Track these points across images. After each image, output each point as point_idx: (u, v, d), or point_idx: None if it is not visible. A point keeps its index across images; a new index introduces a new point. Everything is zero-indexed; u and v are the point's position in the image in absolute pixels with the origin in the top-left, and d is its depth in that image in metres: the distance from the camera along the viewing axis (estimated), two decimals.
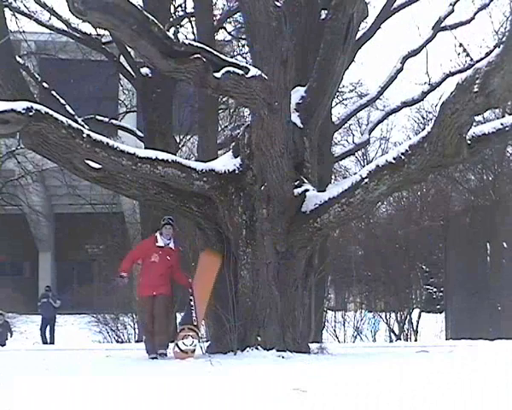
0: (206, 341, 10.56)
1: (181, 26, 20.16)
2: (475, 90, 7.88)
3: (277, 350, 9.28)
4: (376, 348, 15.84)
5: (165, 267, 9.68)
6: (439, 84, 18.71)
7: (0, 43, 10.38)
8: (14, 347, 16.86)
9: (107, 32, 14.79)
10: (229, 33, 21.20)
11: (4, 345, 19.37)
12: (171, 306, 9.91)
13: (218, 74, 8.65)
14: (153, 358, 9.45)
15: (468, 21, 19.13)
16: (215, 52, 8.94)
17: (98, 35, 18.92)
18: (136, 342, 17.79)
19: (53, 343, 20.02)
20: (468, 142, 8.82)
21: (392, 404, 5.15)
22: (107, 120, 20.37)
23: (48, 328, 21.11)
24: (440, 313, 26.59)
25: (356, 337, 23.21)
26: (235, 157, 10.02)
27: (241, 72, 8.81)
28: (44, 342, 20.32)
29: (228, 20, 20.67)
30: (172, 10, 19.81)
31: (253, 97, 8.99)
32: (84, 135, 9.04)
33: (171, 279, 9.82)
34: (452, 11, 18.22)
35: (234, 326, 9.30)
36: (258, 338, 9.47)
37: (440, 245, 26.88)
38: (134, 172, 9.55)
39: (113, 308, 18.47)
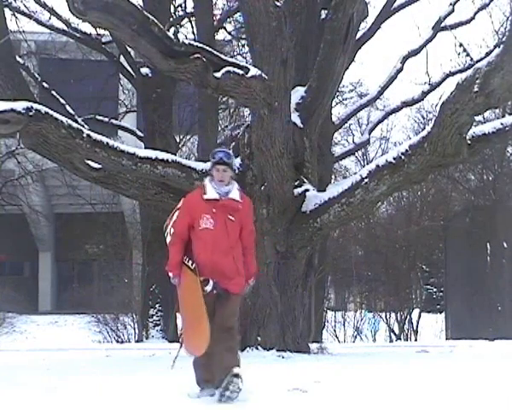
0: None
1: (181, 26, 20.14)
2: (475, 90, 7.88)
3: (277, 350, 9.29)
4: (376, 348, 15.84)
5: (229, 235, 5.45)
6: (439, 84, 18.67)
7: (0, 43, 10.37)
8: (14, 347, 16.85)
9: (107, 32, 14.78)
10: (229, 33, 21.18)
11: None
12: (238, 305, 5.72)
13: (218, 74, 8.65)
14: (210, 394, 5.42)
15: (468, 21, 19.09)
16: (215, 52, 8.94)
17: (98, 35, 18.91)
18: (137, 342, 17.79)
19: None
20: (468, 142, 8.83)
21: (392, 404, 5.15)
22: (107, 120, 20.36)
23: None
24: (440, 313, 26.60)
25: (356, 337, 23.22)
26: (235, 157, 10.03)
27: (241, 72, 8.81)
28: None
29: (228, 20, 20.66)
30: (172, 10, 19.80)
31: (253, 97, 9.00)
32: (84, 135, 9.05)
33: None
34: (452, 11, 18.18)
35: None
36: (258, 338, 9.47)
37: (440, 245, 26.90)
38: (134, 172, 9.55)
39: (113, 308, 18.44)
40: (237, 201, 5.53)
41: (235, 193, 5.55)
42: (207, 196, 5.48)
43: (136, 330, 18.35)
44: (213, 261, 5.35)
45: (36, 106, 8.76)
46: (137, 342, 17.80)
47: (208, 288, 5.38)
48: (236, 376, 5.14)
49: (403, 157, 9.02)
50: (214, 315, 5.38)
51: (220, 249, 5.38)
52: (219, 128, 19.82)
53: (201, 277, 5.35)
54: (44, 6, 18.67)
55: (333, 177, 19.93)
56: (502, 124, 9.25)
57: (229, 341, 5.41)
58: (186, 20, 20.32)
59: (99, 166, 9.61)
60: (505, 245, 22.52)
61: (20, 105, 8.62)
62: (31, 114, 8.57)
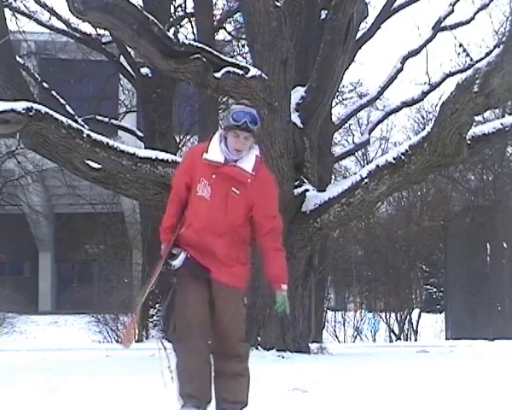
0: None
1: (181, 26, 20.14)
2: (475, 90, 7.88)
3: (277, 350, 9.28)
4: (376, 348, 15.84)
5: (227, 213, 4.20)
6: (439, 84, 18.68)
7: (0, 43, 10.36)
8: (14, 347, 16.86)
9: (107, 32, 14.77)
10: (229, 33, 21.19)
11: None
12: (244, 308, 4.37)
13: (218, 74, 8.65)
14: None
15: (468, 21, 19.10)
16: (215, 52, 8.95)
17: (98, 35, 18.91)
18: (137, 342, 17.79)
19: None
20: (468, 142, 8.82)
21: (392, 404, 5.15)
22: (107, 120, 20.36)
23: None
24: (440, 313, 26.63)
25: (356, 337, 23.25)
26: None
27: (241, 72, 8.81)
28: None
29: (228, 20, 20.66)
30: (172, 10, 19.80)
31: (253, 97, 8.99)
32: (84, 135, 9.04)
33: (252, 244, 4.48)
34: (452, 11, 18.17)
35: None
36: (258, 338, 9.47)
37: (440, 245, 26.92)
38: (134, 172, 9.55)
39: (113, 308, 18.45)
40: (246, 172, 4.15)
41: (247, 161, 4.19)
42: (208, 155, 4.20)
43: (137, 331, 18.35)
44: (202, 242, 4.17)
45: (36, 106, 8.75)
46: (137, 342, 17.80)
47: (176, 262, 4.21)
48: None
49: (403, 157, 9.01)
50: (210, 314, 4.21)
51: (214, 228, 4.15)
52: (219, 128, 19.82)
53: (176, 249, 4.27)
54: (44, 6, 18.68)
55: (333, 177, 19.94)
56: (502, 124, 9.25)
57: (234, 364, 4.22)
58: (186, 20, 20.31)
59: (99, 166, 9.61)
60: (505, 245, 22.54)
61: (20, 105, 8.62)
62: (31, 114, 8.57)
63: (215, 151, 4.22)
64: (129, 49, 18.04)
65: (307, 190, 9.82)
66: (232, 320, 4.22)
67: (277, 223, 4.33)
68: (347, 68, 12.48)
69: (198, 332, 4.12)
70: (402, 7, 17.61)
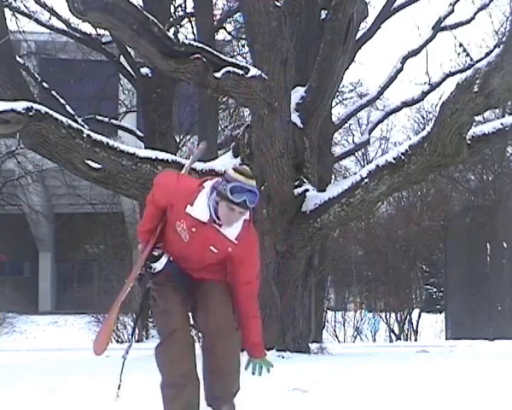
0: None
1: (181, 26, 20.13)
2: (475, 90, 7.87)
3: (277, 350, 9.28)
4: (376, 348, 15.84)
5: (204, 261, 4.10)
6: (439, 84, 18.69)
7: (0, 43, 10.36)
8: (14, 347, 16.85)
9: (107, 32, 14.75)
10: (229, 33, 21.19)
11: None
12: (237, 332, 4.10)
13: (218, 74, 8.64)
14: None
15: (468, 21, 19.11)
16: (215, 52, 8.94)
17: (98, 35, 18.90)
18: (137, 342, 17.79)
19: None
20: (468, 142, 8.82)
21: (392, 404, 5.15)
22: (107, 120, 20.36)
23: None
24: (440, 313, 26.66)
25: (356, 337, 23.25)
26: (235, 157, 10.02)
27: (241, 72, 8.80)
28: None
29: (228, 20, 20.67)
30: (172, 10, 19.79)
31: (253, 97, 8.99)
32: (84, 135, 9.04)
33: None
34: (452, 11, 18.18)
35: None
36: None
37: (440, 245, 26.95)
38: (134, 172, 9.54)
39: None
40: (228, 240, 3.97)
41: (232, 229, 3.96)
42: (192, 211, 3.94)
43: (136, 330, 18.36)
44: (182, 261, 4.15)
45: (36, 106, 8.75)
46: (137, 342, 17.79)
47: (157, 265, 4.10)
48: None
49: (403, 157, 9.01)
50: (194, 316, 4.13)
51: (190, 266, 4.12)
52: (219, 128, 19.83)
53: (157, 250, 4.12)
54: (44, 6, 18.67)
55: (333, 177, 19.95)
56: (502, 124, 9.24)
57: (225, 362, 4.01)
58: (186, 20, 20.31)
59: (99, 166, 9.61)
60: (505, 245, 22.55)
61: (20, 105, 8.61)
62: (31, 114, 8.56)
63: (200, 209, 3.95)
64: (129, 49, 18.04)
65: (307, 190, 9.82)
66: (221, 308, 4.05)
67: (253, 290, 4.11)
68: (347, 68, 12.48)
69: (184, 342, 3.93)
70: (402, 7, 17.61)
